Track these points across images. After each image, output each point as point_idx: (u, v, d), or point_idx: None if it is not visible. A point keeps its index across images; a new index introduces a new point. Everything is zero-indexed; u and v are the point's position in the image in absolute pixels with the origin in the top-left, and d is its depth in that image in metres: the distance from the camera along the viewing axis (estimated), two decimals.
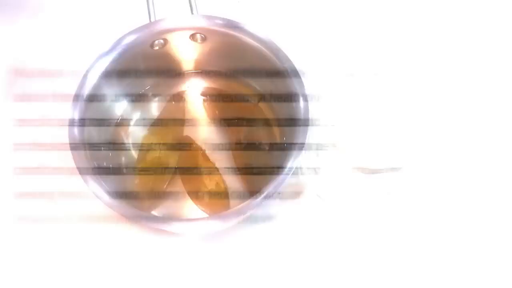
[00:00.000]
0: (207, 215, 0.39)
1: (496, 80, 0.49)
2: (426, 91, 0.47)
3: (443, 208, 0.42)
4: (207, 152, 0.43)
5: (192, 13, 0.43)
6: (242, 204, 0.34)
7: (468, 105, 0.47)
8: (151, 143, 0.43)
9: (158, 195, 0.41)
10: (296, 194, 0.43)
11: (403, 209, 0.42)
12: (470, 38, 0.51)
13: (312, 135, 0.36)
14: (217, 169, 0.42)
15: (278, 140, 0.43)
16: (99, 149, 0.40)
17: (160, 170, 0.42)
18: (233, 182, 0.42)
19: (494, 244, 0.41)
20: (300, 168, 0.43)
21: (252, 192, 0.41)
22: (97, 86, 0.39)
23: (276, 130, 0.44)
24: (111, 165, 0.42)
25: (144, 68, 0.44)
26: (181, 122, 0.44)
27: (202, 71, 0.47)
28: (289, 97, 0.39)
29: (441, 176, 0.43)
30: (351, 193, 0.39)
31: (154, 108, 0.45)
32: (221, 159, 0.43)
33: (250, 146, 0.43)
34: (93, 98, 0.39)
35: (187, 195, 0.41)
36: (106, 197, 0.34)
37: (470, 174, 0.44)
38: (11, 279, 0.39)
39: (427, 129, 0.43)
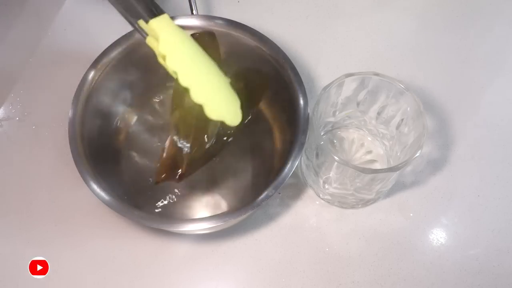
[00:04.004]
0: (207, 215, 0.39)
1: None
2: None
3: (442, 206, 0.42)
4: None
5: (192, 13, 0.43)
6: (242, 204, 0.34)
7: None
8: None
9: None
10: (296, 194, 0.43)
11: (404, 209, 0.42)
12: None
13: (312, 135, 0.37)
14: None
15: (277, 140, 0.43)
16: (99, 149, 0.40)
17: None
18: (232, 181, 0.42)
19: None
20: (300, 168, 0.43)
21: (252, 192, 0.41)
22: (97, 86, 0.39)
23: (276, 130, 0.44)
24: (111, 165, 0.42)
25: (145, 68, 0.44)
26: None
27: None
28: (289, 97, 0.39)
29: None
30: (351, 193, 0.39)
31: (154, 108, 0.45)
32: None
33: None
34: (94, 98, 0.39)
35: (187, 195, 0.41)
36: (106, 197, 0.34)
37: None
38: (10, 278, 0.39)
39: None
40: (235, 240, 0.40)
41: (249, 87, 0.37)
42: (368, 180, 0.36)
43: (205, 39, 0.39)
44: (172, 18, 0.41)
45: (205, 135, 0.36)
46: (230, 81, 0.34)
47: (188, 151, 0.36)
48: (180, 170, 0.36)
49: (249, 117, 0.37)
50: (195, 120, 0.36)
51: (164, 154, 0.36)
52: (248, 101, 0.34)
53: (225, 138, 0.37)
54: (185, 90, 0.31)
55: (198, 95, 0.30)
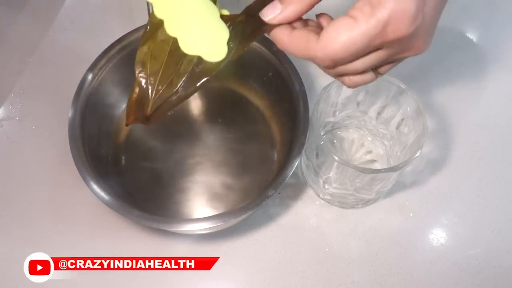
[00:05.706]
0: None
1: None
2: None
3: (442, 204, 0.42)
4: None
5: None
6: (242, 205, 0.34)
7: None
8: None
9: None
10: (296, 194, 0.43)
11: (404, 209, 0.42)
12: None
13: (312, 135, 0.37)
14: None
15: (277, 140, 0.43)
16: (99, 149, 0.40)
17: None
18: (233, 181, 0.42)
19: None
20: (300, 168, 0.43)
21: (252, 192, 0.41)
22: (97, 85, 0.39)
23: (276, 130, 0.44)
24: (111, 165, 0.42)
25: None
26: None
27: None
28: (289, 97, 0.39)
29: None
30: (351, 193, 0.39)
31: None
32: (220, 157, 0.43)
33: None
34: (94, 97, 0.39)
35: (186, 194, 0.41)
36: (106, 197, 0.34)
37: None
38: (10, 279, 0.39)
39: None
40: (235, 240, 0.40)
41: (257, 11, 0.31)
42: (368, 180, 0.36)
43: None
44: None
45: (176, 72, 0.31)
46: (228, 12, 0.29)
47: (154, 90, 0.32)
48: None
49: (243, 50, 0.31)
50: (166, 55, 0.31)
51: (131, 95, 0.32)
52: (251, 31, 0.31)
53: (200, 78, 0.31)
54: (161, 23, 0.28)
55: (173, 27, 0.27)
